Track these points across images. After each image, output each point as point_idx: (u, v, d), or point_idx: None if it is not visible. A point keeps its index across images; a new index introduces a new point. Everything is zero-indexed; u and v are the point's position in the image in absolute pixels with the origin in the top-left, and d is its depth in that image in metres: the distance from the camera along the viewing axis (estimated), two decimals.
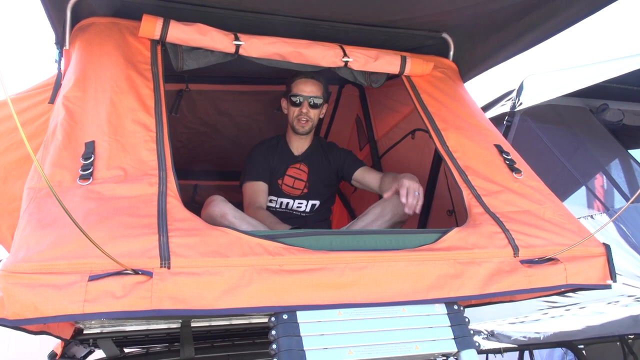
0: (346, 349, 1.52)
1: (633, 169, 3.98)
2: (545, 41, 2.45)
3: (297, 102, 2.54)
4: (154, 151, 1.73)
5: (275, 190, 2.62)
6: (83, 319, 1.32)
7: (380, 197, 2.57)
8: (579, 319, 2.84)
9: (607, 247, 1.87)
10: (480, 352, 1.69)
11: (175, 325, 2.09)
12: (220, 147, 3.63)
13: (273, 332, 1.50)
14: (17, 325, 1.30)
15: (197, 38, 2.08)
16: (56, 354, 2.64)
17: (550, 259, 1.78)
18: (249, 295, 1.44)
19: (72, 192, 1.53)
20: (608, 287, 1.85)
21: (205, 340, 2.62)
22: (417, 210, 2.17)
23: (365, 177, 2.65)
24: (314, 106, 2.56)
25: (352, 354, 1.51)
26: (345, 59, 2.30)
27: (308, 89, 2.55)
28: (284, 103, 2.67)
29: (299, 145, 2.69)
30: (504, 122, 3.68)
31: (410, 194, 2.14)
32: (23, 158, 2.22)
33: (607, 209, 3.45)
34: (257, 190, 2.55)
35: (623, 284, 2.80)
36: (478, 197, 1.94)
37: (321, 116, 2.66)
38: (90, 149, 1.66)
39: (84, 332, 1.89)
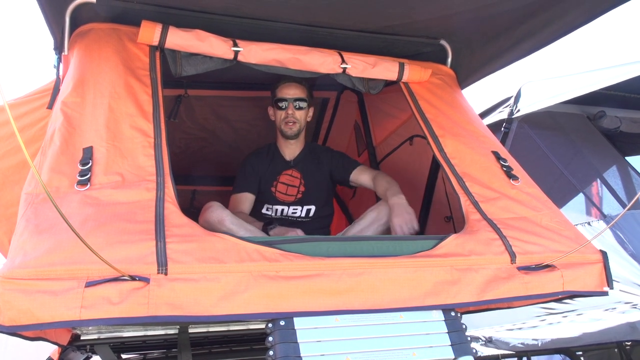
0: (343, 355, 1.52)
1: (630, 175, 3.99)
2: (543, 48, 2.46)
3: (283, 105, 2.58)
4: (151, 157, 1.73)
5: (269, 197, 2.62)
6: (80, 325, 1.32)
7: (377, 199, 2.57)
8: (576, 325, 2.84)
9: (604, 254, 1.88)
10: (477, 358, 1.69)
11: (172, 331, 2.09)
12: (219, 152, 3.64)
13: (270, 339, 1.50)
14: (13, 331, 1.30)
15: (195, 44, 2.09)
16: None
17: (547, 266, 1.78)
18: (245, 301, 1.45)
19: (69, 198, 1.53)
20: (605, 294, 1.86)
21: (203, 347, 2.61)
22: None
23: (360, 177, 2.68)
24: (299, 108, 2.59)
25: None
26: (344, 65, 2.31)
27: (292, 92, 2.59)
28: (271, 110, 2.70)
29: (290, 151, 2.70)
30: (502, 128, 3.69)
31: (406, 233, 2.18)
32: (21, 163, 2.22)
33: (604, 215, 3.46)
34: (241, 200, 2.59)
35: (620, 290, 2.80)
36: (475, 204, 1.94)
37: (308, 119, 2.69)
38: (88, 155, 1.66)
39: (81, 338, 1.88)
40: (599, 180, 3.89)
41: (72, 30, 2.12)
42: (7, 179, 2.24)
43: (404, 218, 2.21)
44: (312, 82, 2.64)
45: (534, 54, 2.50)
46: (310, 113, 2.71)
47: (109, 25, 2.14)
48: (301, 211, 2.66)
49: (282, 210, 2.63)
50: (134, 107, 1.86)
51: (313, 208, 2.67)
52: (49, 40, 2.20)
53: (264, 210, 2.64)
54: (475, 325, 3.27)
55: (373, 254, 1.68)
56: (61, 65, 2.18)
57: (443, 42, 2.57)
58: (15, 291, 1.27)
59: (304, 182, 2.67)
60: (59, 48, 2.17)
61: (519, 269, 1.76)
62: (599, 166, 3.97)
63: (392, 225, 2.23)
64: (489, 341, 3.28)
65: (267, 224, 2.35)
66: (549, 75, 3.78)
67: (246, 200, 2.59)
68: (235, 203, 2.58)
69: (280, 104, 2.59)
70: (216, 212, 2.17)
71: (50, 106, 2.10)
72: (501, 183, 2.07)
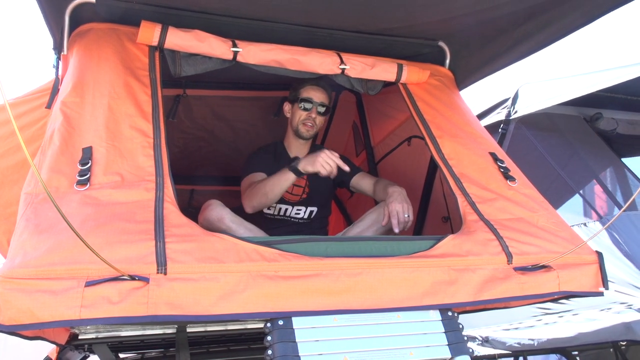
0: (341, 354, 1.53)
1: (626, 177, 4.02)
2: (541, 50, 2.47)
3: (307, 107, 2.56)
4: (151, 157, 1.73)
5: None
6: (79, 324, 1.33)
7: (376, 202, 2.58)
8: (572, 325, 2.86)
9: (600, 255, 1.89)
10: (474, 358, 1.70)
11: (170, 330, 2.09)
12: (218, 152, 3.64)
13: (268, 338, 1.51)
14: (13, 330, 1.30)
15: (195, 44, 2.10)
16: (51, 359, 2.64)
17: (543, 267, 1.79)
18: (244, 301, 1.45)
19: (69, 198, 1.54)
20: (600, 294, 1.87)
21: (201, 346, 2.61)
22: (407, 228, 2.23)
23: (361, 183, 2.68)
24: (321, 113, 2.58)
25: (347, 359, 1.52)
26: (342, 66, 2.32)
27: (319, 96, 2.57)
28: (287, 107, 2.67)
29: (298, 151, 2.69)
30: (499, 130, 3.70)
31: (401, 220, 2.20)
32: (20, 163, 2.22)
33: (600, 216, 3.48)
34: (256, 177, 2.52)
35: (615, 291, 2.82)
36: (473, 205, 1.96)
37: (322, 124, 2.69)
38: (87, 155, 1.66)
39: (79, 337, 1.88)
40: (595, 182, 3.92)
41: (71, 30, 2.12)
42: (5, 178, 2.24)
43: (402, 205, 2.22)
44: (333, 88, 2.60)
45: (532, 55, 2.52)
46: (325, 119, 2.71)
47: (109, 25, 2.14)
48: (304, 212, 2.66)
49: (286, 210, 2.63)
50: (134, 107, 1.86)
51: (315, 210, 2.68)
52: (48, 40, 2.20)
53: (265, 210, 2.63)
54: (472, 325, 3.29)
55: (371, 254, 1.69)
56: (60, 65, 2.18)
57: (441, 43, 2.58)
58: (15, 291, 1.27)
59: (309, 183, 2.67)
60: (58, 48, 2.16)
61: (516, 269, 1.77)
62: (596, 167, 3.99)
63: (389, 209, 2.22)
64: (485, 341, 3.29)
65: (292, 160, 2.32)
66: (546, 77, 3.81)
67: (262, 177, 2.51)
68: (250, 180, 2.50)
69: (303, 105, 2.56)
70: (216, 210, 2.17)
71: (49, 106, 2.10)
72: (498, 184, 2.09)
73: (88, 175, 1.60)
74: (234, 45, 2.14)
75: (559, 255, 1.81)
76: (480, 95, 3.81)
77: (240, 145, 3.53)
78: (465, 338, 1.68)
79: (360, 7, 2.20)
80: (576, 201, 3.73)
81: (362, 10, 2.22)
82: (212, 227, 2.12)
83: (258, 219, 2.61)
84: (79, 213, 1.49)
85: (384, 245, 1.75)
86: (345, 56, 2.35)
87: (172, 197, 1.63)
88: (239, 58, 2.16)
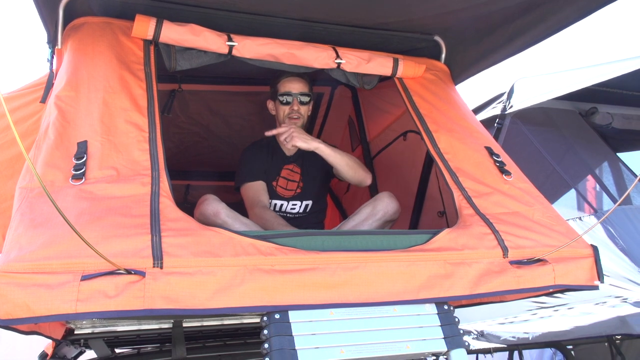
0: (337, 348, 1.53)
1: (621, 171, 4.04)
2: (536, 45, 2.48)
3: (287, 100, 2.56)
4: (146, 151, 1.73)
5: (269, 192, 2.62)
6: (75, 318, 1.32)
7: (371, 196, 2.57)
8: (567, 319, 2.87)
9: (595, 249, 1.90)
10: (469, 352, 1.71)
11: (166, 325, 2.09)
12: (213, 147, 3.64)
13: (265, 332, 1.51)
14: (8, 324, 1.30)
15: (190, 38, 2.09)
16: (47, 354, 2.63)
17: (538, 260, 1.80)
18: (241, 294, 1.45)
19: (64, 192, 1.53)
20: (595, 288, 1.88)
21: (197, 341, 2.62)
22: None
23: None
24: (303, 103, 2.59)
25: (344, 353, 1.53)
26: (338, 60, 2.31)
27: (296, 86, 2.57)
28: (270, 105, 2.68)
29: (290, 146, 2.68)
30: (495, 124, 3.71)
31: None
32: (14, 157, 2.21)
33: (596, 211, 3.50)
34: (258, 189, 2.54)
35: (610, 285, 2.84)
36: (468, 199, 1.96)
37: (308, 113, 2.68)
38: (82, 149, 1.66)
39: (75, 332, 1.88)
40: (590, 176, 3.93)
41: (65, 24, 2.10)
42: (0, 173, 2.23)
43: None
44: (313, 77, 2.61)
45: (528, 50, 2.52)
46: (310, 107, 2.70)
47: (103, 19, 2.12)
48: (300, 206, 2.65)
49: (282, 205, 2.62)
50: (129, 102, 1.85)
51: (310, 203, 2.68)
52: (43, 34, 2.19)
53: None
54: (468, 319, 3.30)
55: (367, 248, 1.69)
56: (54, 59, 2.17)
57: (437, 38, 2.58)
58: (11, 285, 1.27)
59: (304, 177, 2.67)
60: (52, 42, 2.15)
61: (511, 263, 1.77)
62: (591, 162, 4.01)
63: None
64: (481, 335, 3.31)
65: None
66: (542, 72, 3.81)
67: (264, 189, 2.55)
68: (253, 192, 2.52)
69: (285, 98, 2.57)
70: (212, 204, 2.17)
71: (44, 100, 2.09)
72: (494, 178, 2.09)
73: (83, 170, 1.59)
74: (230, 39, 2.13)
75: (554, 248, 1.82)
76: (476, 89, 3.82)
77: (236, 141, 3.53)
78: (461, 331, 1.69)
79: (356, 2, 2.19)
80: (571, 195, 3.75)
81: (358, 5, 2.22)
82: (208, 222, 2.12)
83: None
84: (75, 207, 1.48)
85: (381, 239, 1.75)
86: (341, 50, 2.34)
87: (168, 191, 1.63)
88: (235, 52, 2.15)
